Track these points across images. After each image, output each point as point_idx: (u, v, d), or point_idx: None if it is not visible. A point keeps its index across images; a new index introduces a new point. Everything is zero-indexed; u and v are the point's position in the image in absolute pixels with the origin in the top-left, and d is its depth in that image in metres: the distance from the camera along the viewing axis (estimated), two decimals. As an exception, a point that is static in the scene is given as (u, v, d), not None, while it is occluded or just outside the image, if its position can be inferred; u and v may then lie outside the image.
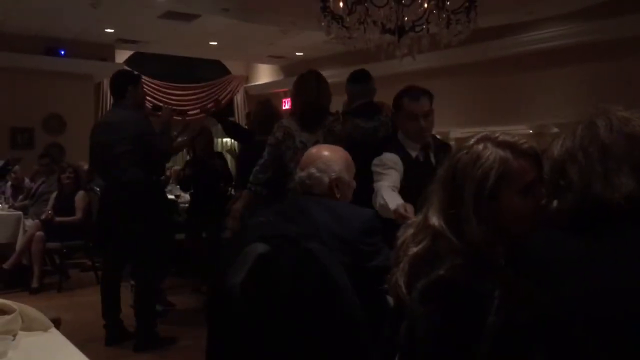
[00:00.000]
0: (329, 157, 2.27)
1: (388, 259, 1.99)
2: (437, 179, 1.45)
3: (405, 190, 2.83)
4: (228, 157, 6.95)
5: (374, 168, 3.01)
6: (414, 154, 3.10)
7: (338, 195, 2.21)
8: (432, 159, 3.14)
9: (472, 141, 1.43)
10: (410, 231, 1.46)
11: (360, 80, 3.98)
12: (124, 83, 4.39)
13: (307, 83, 3.73)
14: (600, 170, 1.24)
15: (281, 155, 3.65)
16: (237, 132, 5.89)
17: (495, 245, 1.36)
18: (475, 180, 1.35)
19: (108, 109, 8.92)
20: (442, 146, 3.25)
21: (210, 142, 6.19)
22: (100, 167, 4.60)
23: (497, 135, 1.42)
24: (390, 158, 3.02)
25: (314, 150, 2.37)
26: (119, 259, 4.52)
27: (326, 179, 2.22)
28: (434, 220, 1.38)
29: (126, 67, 7.81)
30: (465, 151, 1.41)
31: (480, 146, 1.40)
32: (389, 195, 2.75)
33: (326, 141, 3.40)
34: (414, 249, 1.39)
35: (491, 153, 1.37)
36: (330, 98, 3.79)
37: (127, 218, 4.21)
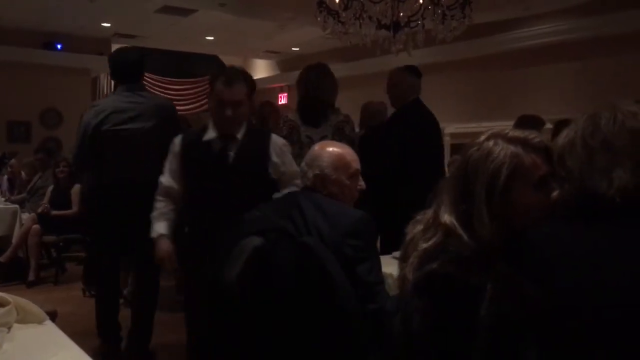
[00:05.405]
0: (318, 153, 2.27)
1: (384, 298, 1.91)
2: (448, 176, 1.45)
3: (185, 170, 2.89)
4: None
5: None
6: (207, 136, 2.85)
7: (324, 192, 2.19)
8: (232, 154, 2.83)
9: (482, 138, 1.42)
10: (420, 227, 1.45)
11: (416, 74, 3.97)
12: (142, 66, 3.64)
13: (306, 76, 3.60)
14: (598, 162, 1.23)
15: None
16: None
17: (506, 242, 1.34)
18: (487, 177, 1.35)
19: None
20: (260, 134, 2.98)
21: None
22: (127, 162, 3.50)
23: (507, 131, 1.42)
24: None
25: (317, 145, 2.37)
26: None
27: (310, 174, 2.23)
28: (445, 218, 1.37)
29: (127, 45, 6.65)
30: (476, 148, 1.40)
31: (491, 142, 1.39)
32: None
33: (334, 140, 3.22)
34: (423, 245, 1.38)
35: (502, 149, 1.37)
36: (334, 92, 3.62)
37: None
